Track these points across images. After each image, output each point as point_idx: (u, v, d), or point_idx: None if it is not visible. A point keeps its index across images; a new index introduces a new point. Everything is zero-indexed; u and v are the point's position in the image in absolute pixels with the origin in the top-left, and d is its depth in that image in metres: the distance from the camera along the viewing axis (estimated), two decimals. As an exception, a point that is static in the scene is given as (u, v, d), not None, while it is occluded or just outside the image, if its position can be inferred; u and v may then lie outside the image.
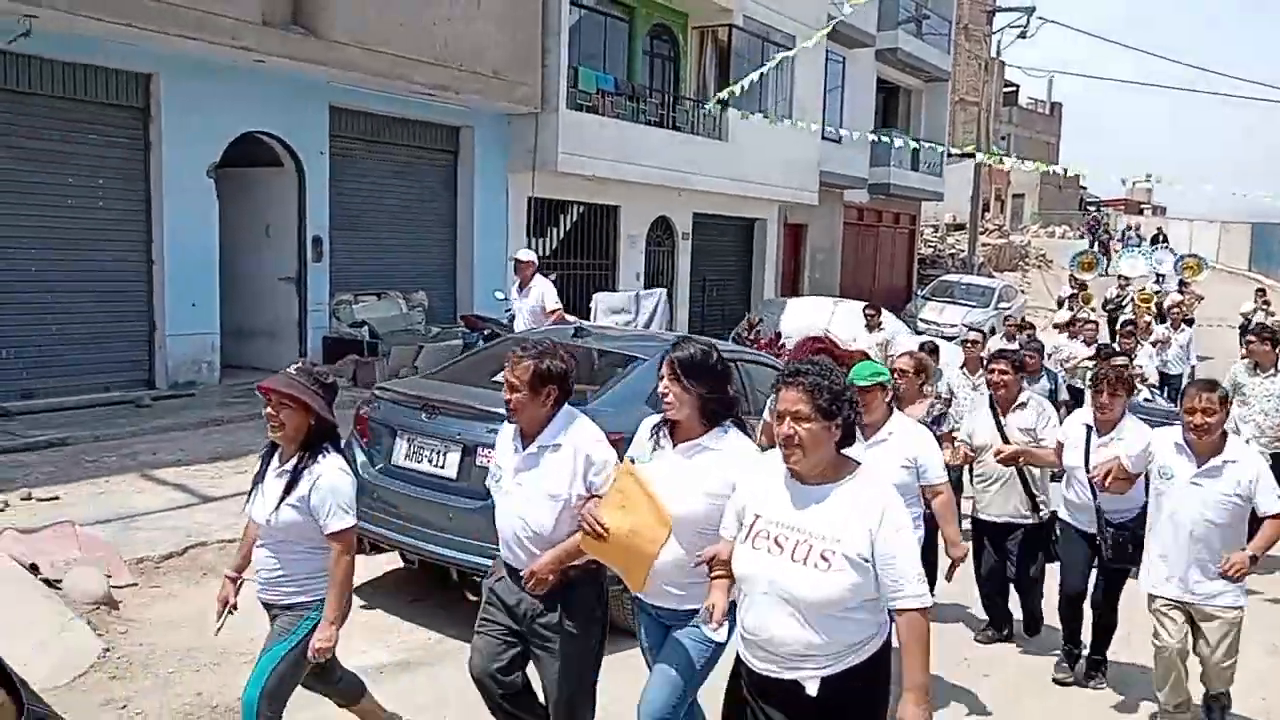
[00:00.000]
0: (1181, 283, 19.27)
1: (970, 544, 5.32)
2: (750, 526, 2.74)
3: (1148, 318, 14.17)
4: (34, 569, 5.14)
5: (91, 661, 4.40)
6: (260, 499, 3.43)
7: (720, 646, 3.20)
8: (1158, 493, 4.41)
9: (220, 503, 6.77)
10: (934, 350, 8.46)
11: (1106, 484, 4.50)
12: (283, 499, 3.33)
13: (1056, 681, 5.08)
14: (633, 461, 3.31)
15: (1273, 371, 7.38)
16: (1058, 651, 5.27)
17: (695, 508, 3.13)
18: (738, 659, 2.85)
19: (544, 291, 9.03)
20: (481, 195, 13.32)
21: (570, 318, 11.71)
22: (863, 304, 15.20)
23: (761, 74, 12.13)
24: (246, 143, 10.60)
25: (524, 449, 3.33)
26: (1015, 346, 9.21)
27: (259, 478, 3.48)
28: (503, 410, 3.43)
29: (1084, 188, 54.02)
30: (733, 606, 2.89)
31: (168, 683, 4.37)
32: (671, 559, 3.15)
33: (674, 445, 3.26)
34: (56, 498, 6.67)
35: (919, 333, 16.69)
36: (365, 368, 10.86)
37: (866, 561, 2.61)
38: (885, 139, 19.79)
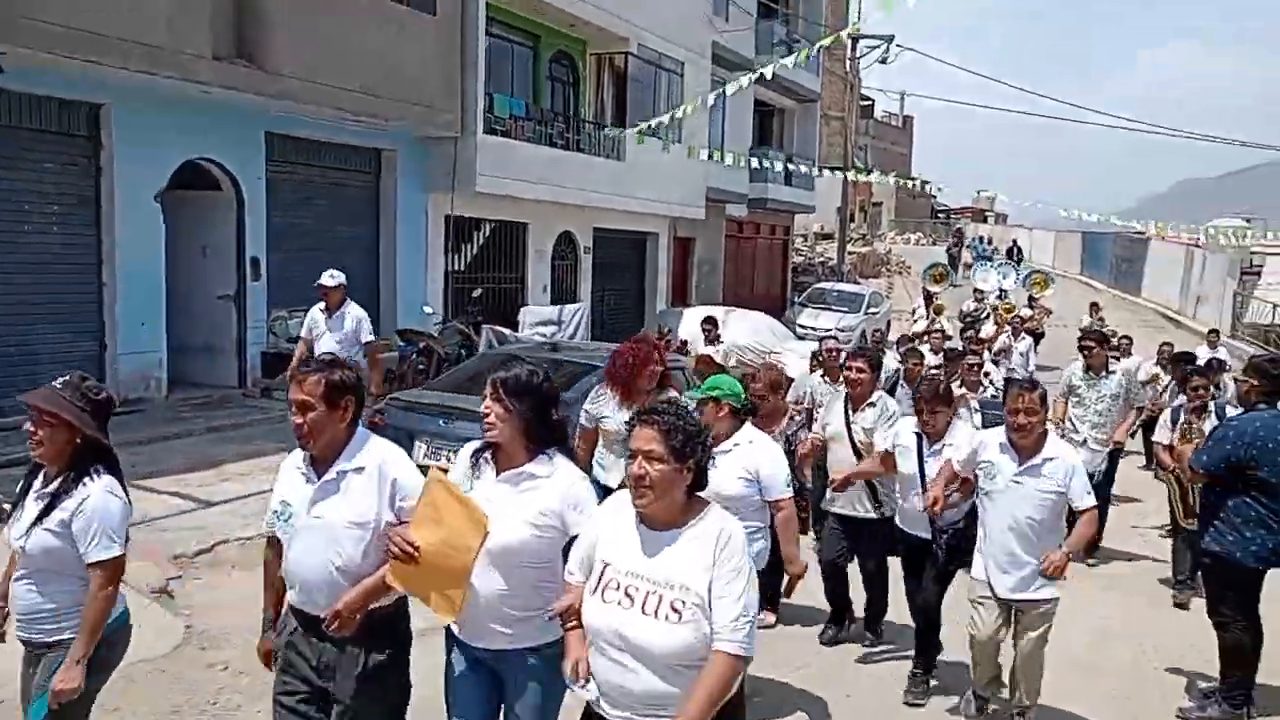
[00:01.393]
0: (1031, 298, 20.10)
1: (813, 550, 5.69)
2: (600, 576, 2.68)
3: (1008, 328, 14.61)
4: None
5: (181, 636, 5.17)
6: (17, 523, 3.13)
7: (561, 691, 3.03)
8: (984, 491, 4.63)
9: (224, 506, 7.47)
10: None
11: (938, 508, 4.70)
12: (37, 523, 3.06)
13: (909, 704, 5.08)
14: None
15: (1104, 373, 7.82)
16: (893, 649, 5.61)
17: (516, 537, 2.94)
18: (588, 708, 2.78)
19: (359, 320, 8.32)
20: (403, 214, 14.07)
21: (506, 331, 12.66)
22: (745, 310, 16.68)
23: (686, 111, 13.20)
24: (186, 168, 11.09)
25: (319, 477, 2.99)
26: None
27: (18, 501, 3.19)
28: None
29: (934, 196, 57.95)
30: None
31: (251, 648, 5.17)
32: (493, 591, 2.96)
33: (497, 473, 3.05)
34: (65, 507, 7.22)
35: (800, 338, 18.02)
36: (307, 380, 11.48)
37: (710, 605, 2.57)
38: (764, 162, 21.45)
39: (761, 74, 13.12)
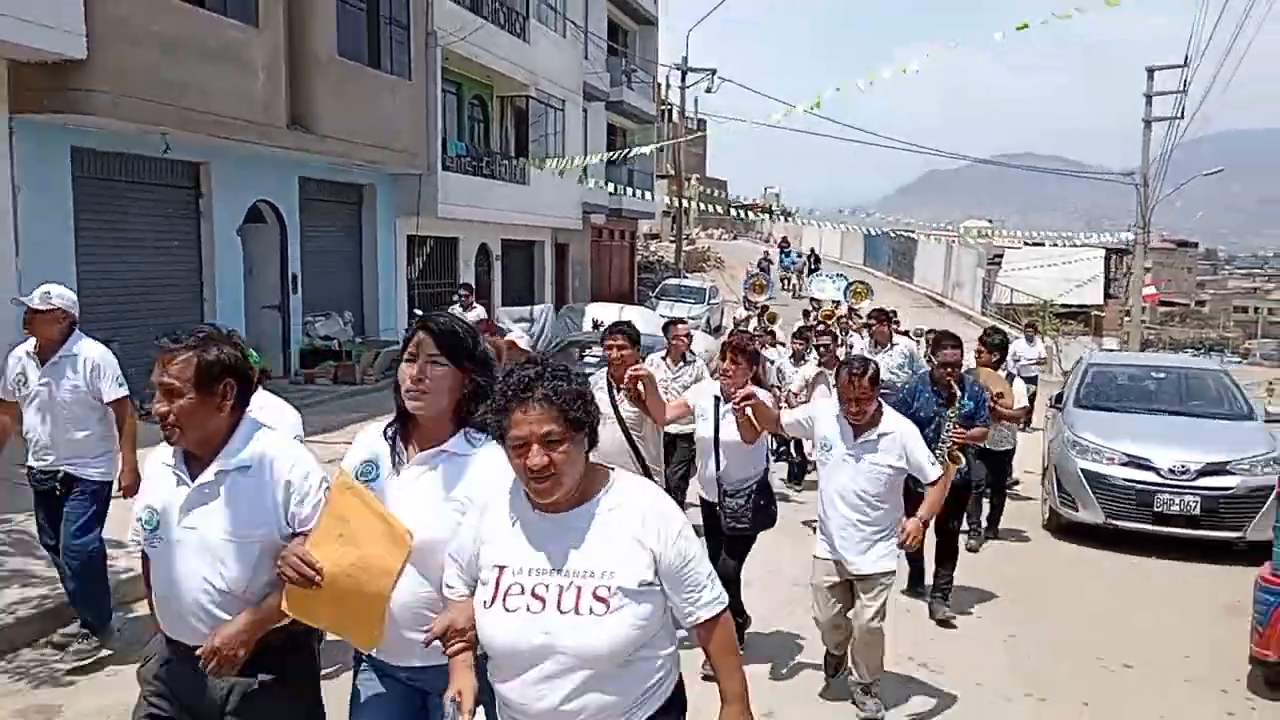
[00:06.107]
0: (850, 309, 21.32)
1: None
2: (495, 584, 2.10)
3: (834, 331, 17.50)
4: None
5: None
6: None
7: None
8: (821, 464, 4.62)
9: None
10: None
11: (743, 407, 4.56)
12: None
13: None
14: (356, 477, 2.47)
15: (889, 346, 8.71)
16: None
17: (441, 528, 2.33)
18: None
19: (96, 365, 4.93)
20: (380, 235, 17.50)
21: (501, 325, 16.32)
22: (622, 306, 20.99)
23: (594, 159, 17.19)
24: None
25: (194, 479, 2.44)
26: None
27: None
28: None
29: (729, 196, 64.48)
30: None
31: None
32: (415, 597, 2.36)
33: (409, 456, 2.45)
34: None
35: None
36: (346, 369, 14.87)
37: (651, 586, 2.09)
38: (619, 186, 25.97)
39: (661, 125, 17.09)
